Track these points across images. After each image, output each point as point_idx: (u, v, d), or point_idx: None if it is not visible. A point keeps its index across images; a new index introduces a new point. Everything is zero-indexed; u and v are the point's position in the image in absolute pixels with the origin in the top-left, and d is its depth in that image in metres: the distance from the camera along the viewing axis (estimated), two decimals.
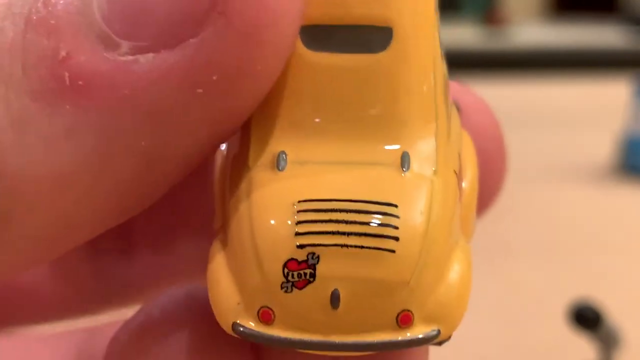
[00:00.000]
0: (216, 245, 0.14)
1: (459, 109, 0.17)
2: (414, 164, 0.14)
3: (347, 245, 0.13)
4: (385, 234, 0.13)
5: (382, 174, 0.14)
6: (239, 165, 0.14)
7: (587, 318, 0.38)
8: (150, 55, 0.12)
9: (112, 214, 0.14)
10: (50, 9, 0.13)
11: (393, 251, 0.13)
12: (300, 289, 0.13)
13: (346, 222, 0.13)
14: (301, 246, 0.13)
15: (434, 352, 0.16)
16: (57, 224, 0.14)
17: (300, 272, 0.13)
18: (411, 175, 0.14)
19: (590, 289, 0.46)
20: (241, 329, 0.13)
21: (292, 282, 0.13)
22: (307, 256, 0.13)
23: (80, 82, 0.13)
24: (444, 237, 0.14)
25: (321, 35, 0.14)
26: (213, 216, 0.15)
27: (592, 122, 0.99)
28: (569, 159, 0.82)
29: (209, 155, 0.15)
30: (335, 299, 0.13)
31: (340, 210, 0.13)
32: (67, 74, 0.13)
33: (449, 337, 0.14)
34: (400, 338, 0.13)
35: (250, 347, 0.15)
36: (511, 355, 0.44)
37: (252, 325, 0.13)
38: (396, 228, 0.13)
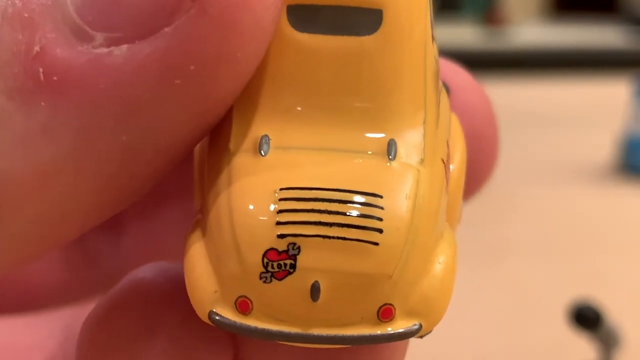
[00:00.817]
0: (194, 230, 0.14)
1: (448, 90, 0.17)
2: (401, 153, 0.13)
3: (329, 237, 0.13)
4: (368, 225, 0.13)
5: (368, 163, 0.13)
6: (219, 147, 0.14)
7: (587, 318, 0.37)
8: (125, 46, 0.12)
9: (99, 208, 0.14)
10: (25, 1, 0.12)
11: (376, 244, 0.13)
12: (280, 279, 0.13)
13: (329, 212, 0.13)
14: (282, 236, 0.13)
15: (432, 351, 0.16)
16: (44, 221, 0.13)
17: (280, 262, 0.13)
18: (397, 164, 0.13)
19: (590, 289, 0.46)
20: (217, 318, 0.13)
21: (272, 273, 0.13)
22: (288, 246, 0.13)
23: (54, 78, 0.12)
24: (429, 229, 0.13)
25: (309, 16, 0.13)
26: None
27: (592, 122, 0.99)
28: (569, 159, 0.82)
29: (193, 145, 0.14)
30: (315, 291, 0.13)
31: (323, 200, 0.13)
32: (41, 70, 0.12)
33: (431, 330, 0.14)
34: (379, 332, 0.13)
35: (228, 336, 0.15)
36: (511, 355, 0.43)
37: (229, 314, 0.13)
38: (380, 220, 0.13)
